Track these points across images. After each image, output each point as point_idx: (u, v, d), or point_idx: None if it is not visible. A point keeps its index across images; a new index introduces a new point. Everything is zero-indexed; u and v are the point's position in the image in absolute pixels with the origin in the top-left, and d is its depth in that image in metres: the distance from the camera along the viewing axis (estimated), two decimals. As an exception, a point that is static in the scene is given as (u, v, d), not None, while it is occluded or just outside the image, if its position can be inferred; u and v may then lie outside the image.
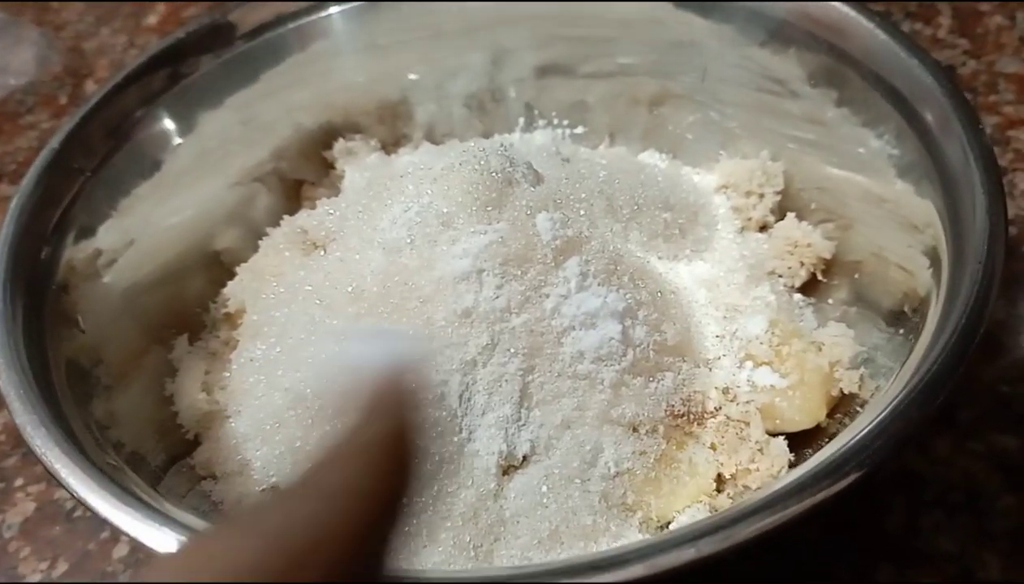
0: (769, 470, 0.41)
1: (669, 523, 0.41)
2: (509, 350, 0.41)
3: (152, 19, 0.79)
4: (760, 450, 0.42)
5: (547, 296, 0.42)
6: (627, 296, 0.43)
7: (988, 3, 0.66)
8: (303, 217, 0.53)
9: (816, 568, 0.41)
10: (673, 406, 0.41)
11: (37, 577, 0.45)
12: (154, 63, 0.52)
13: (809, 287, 0.50)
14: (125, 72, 0.51)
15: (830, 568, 0.41)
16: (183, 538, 0.32)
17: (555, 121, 0.59)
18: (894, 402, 0.33)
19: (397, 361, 0.26)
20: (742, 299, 0.46)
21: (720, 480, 0.42)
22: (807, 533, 0.42)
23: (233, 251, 0.54)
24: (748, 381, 0.44)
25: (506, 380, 0.41)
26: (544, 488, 0.40)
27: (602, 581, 0.30)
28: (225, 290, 0.51)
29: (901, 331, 0.42)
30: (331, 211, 0.51)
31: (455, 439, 0.40)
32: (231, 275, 0.52)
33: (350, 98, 0.58)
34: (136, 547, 0.45)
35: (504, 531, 0.40)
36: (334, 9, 0.57)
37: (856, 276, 0.48)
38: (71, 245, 0.46)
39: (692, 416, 0.41)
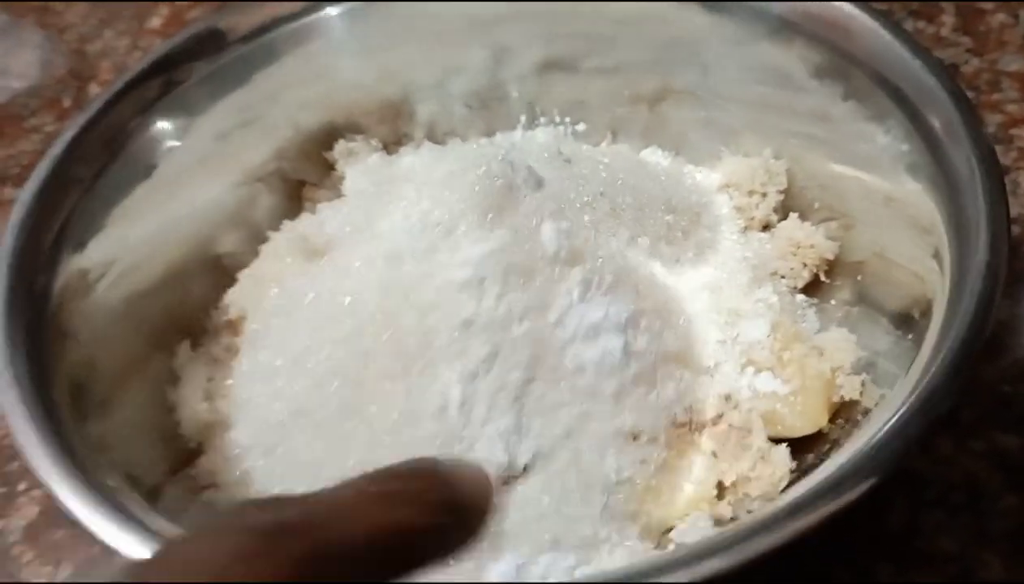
0: (771, 478, 0.41)
1: (669, 530, 0.42)
2: (510, 360, 0.41)
3: (155, 22, 0.79)
4: (762, 458, 0.42)
5: (549, 306, 0.42)
6: (630, 306, 0.43)
7: (991, 1, 0.65)
8: (304, 223, 0.53)
9: (816, 568, 0.41)
10: (675, 415, 0.41)
11: (43, 578, 0.46)
12: (153, 69, 0.52)
13: (811, 288, 0.50)
14: (125, 79, 0.51)
15: (830, 568, 0.41)
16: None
17: (557, 118, 0.59)
18: (900, 410, 0.33)
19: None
20: (744, 302, 0.46)
21: (721, 487, 0.42)
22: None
23: (235, 254, 0.54)
24: (749, 387, 0.44)
25: (507, 391, 0.41)
26: (545, 498, 0.40)
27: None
28: (226, 297, 0.51)
29: (908, 336, 0.42)
30: (331, 217, 0.51)
31: (455, 450, 0.40)
32: (233, 279, 0.52)
33: (351, 98, 0.58)
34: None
35: (504, 542, 0.40)
36: (332, 9, 0.56)
37: (859, 277, 0.48)
38: (72, 255, 0.46)
39: (694, 424, 0.41)
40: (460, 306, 0.41)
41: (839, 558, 0.41)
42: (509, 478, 0.41)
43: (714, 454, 0.42)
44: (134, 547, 0.34)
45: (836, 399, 0.44)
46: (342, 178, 0.56)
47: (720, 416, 0.43)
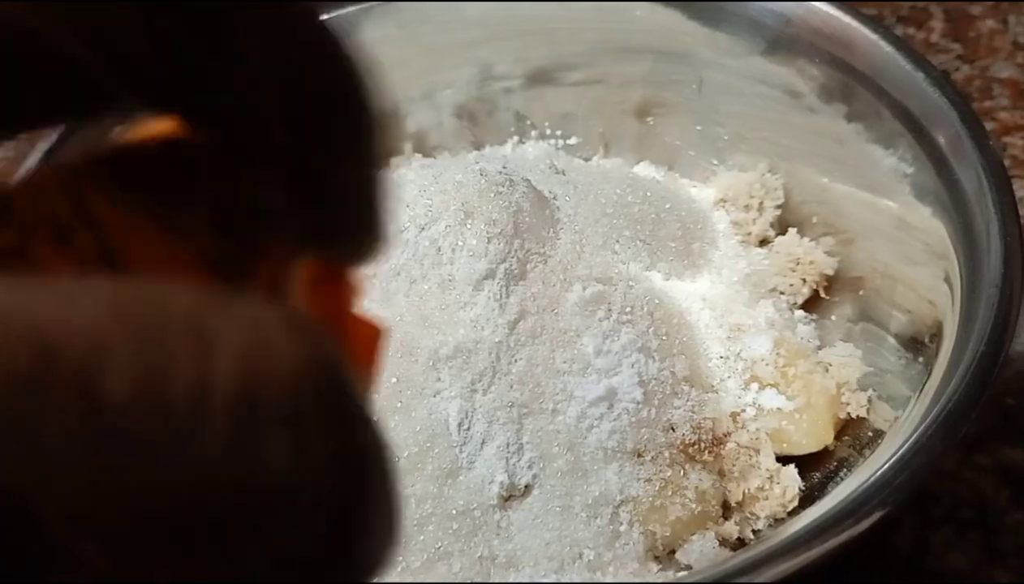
0: (780, 499, 0.41)
1: (674, 551, 0.41)
2: (512, 377, 0.40)
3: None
4: (771, 477, 0.41)
5: (555, 325, 0.41)
6: (638, 329, 0.42)
7: (980, 6, 0.65)
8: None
9: (825, 588, 0.41)
10: (684, 436, 0.41)
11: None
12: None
13: (811, 304, 0.49)
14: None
15: (840, 588, 0.41)
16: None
17: (547, 131, 0.59)
18: (915, 435, 0.32)
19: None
20: (745, 318, 0.46)
21: (726, 507, 0.42)
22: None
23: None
24: (754, 404, 0.43)
25: (508, 408, 0.40)
26: (548, 518, 0.40)
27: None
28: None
29: (914, 353, 0.42)
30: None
31: (455, 469, 0.40)
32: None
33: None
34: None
35: (507, 564, 0.39)
36: (323, 18, 0.55)
37: (860, 292, 0.48)
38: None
39: (703, 444, 0.41)
40: (460, 321, 0.41)
41: (849, 579, 0.41)
42: (511, 497, 0.40)
43: (720, 473, 0.42)
44: None
45: (843, 416, 0.43)
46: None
47: (727, 434, 0.42)
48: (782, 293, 0.49)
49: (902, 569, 0.41)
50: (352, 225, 0.15)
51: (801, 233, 0.50)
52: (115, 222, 0.14)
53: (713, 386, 0.44)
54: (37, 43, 0.13)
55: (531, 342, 0.41)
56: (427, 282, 0.42)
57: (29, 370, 0.11)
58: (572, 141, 0.58)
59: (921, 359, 0.41)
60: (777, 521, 0.41)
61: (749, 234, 0.51)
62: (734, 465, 0.41)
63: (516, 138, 0.58)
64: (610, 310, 0.42)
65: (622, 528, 0.40)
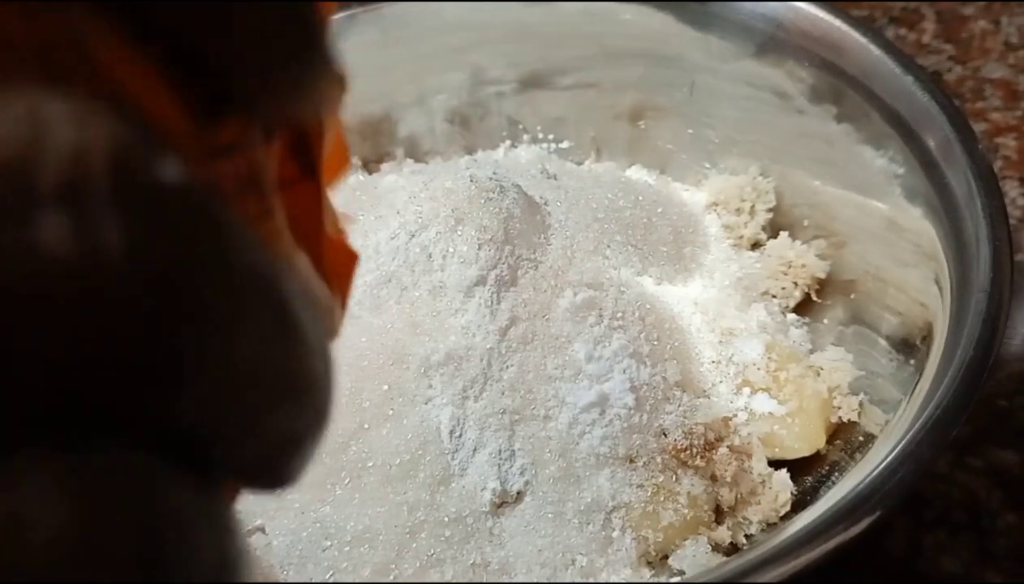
0: (773, 503, 0.41)
1: (667, 557, 0.41)
2: (503, 384, 0.40)
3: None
4: (763, 482, 0.41)
5: (546, 331, 0.41)
6: (629, 335, 0.42)
7: (972, 7, 0.65)
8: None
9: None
10: (676, 441, 0.41)
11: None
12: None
13: (803, 307, 0.49)
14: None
15: (833, 595, 0.41)
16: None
17: (540, 135, 0.59)
18: (905, 440, 0.32)
19: None
20: (737, 322, 0.46)
21: (719, 512, 0.42)
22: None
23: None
24: (746, 408, 0.43)
25: (500, 414, 0.40)
26: (540, 525, 0.40)
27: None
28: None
29: (905, 356, 0.42)
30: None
31: (447, 476, 0.40)
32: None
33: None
34: None
35: (500, 571, 0.39)
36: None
37: (852, 296, 0.48)
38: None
39: (695, 449, 0.41)
40: (451, 328, 0.41)
41: (841, 583, 0.41)
42: (503, 504, 0.40)
43: (712, 478, 0.42)
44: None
45: (834, 420, 0.43)
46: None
47: (719, 439, 0.42)
48: (774, 296, 0.49)
49: (895, 572, 0.41)
50: (296, 62, 0.14)
51: (793, 236, 0.50)
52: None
53: (705, 391, 0.44)
54: None
55: (522, 348, 0.41)
56: (418, 289, 0.42)
57: None
58: (564, 145, 0.58)
59: (912, 361, 0.41)
60: (770, 526, 0.41)
61: (741, 237, 0.51)
62: (726, 470, 0.41)
63: (508, 142, 0.58)
64: (601, 316, 0.42)
65: (614, 534, 0.40)
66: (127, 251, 0.10)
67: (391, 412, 0.40)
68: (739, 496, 0.41)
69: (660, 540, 0.40)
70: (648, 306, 0.44)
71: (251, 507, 0.42)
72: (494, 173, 0.45)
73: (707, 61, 0.52)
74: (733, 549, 0.41)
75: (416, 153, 0.58)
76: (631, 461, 0.41)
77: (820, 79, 0.47)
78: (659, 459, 0.41)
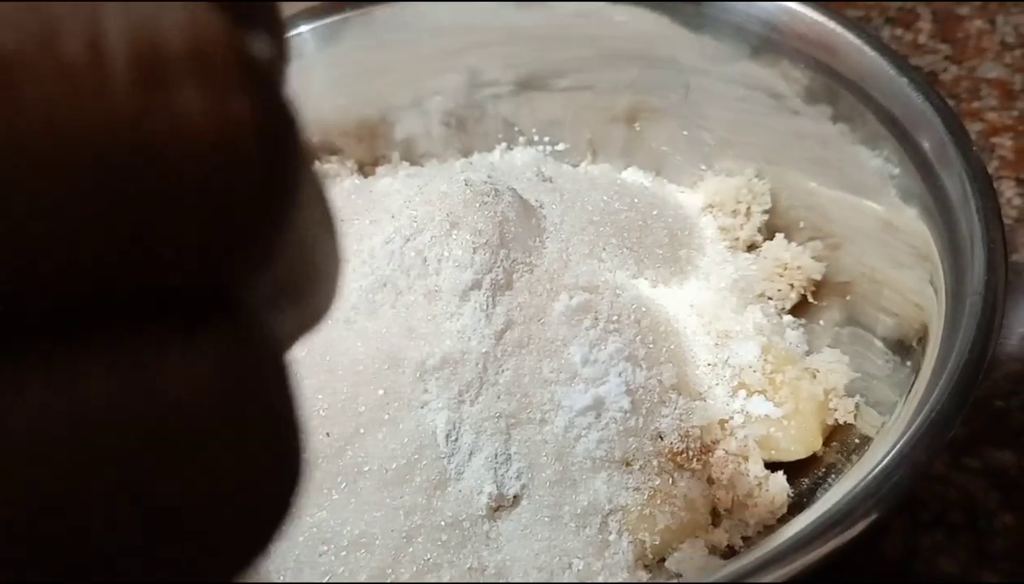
0: (769, 506, 0.41)
1: (664, 560, 0.41)
2: (499, 388, 0.40)
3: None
4: (759, 485, 0.41)
5: (541, 335, 0.41)
6: (625, 338, 0.42)
7: (968, 6, 0.65)
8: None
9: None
10: (672, 444, 0.41)
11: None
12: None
13: (799, 309, 0.49)
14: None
15: (828, 596, 0.41)
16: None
17: (535, 138, 0.59)
18: (901, 442, 0.32)
19: None
20: (733, 324, 0.46)
21: (716, 514, 0.42)
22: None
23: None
24: (742, 411, 0.43)
25: (496, 418, 0.40)
26: (537, 529, 0.39)
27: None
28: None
29: (901, 357, 0.42)
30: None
31: (443, 480, 0.40)
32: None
33: (326, 118, 0.57)
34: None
35: (497, 575, 0.39)
36: (305, 28, 0.55)
37: (848, 297, 0.48)
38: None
39: (691, 452, 0.41)
40: (446, 332, 0.41)
41: (837, 584, 0.41)
42: (499, 508, 0.40)
43: (709, 481, 0.42)
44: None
45: (830, 422, 0.43)
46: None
47: (715, 442, 0.42)
48: (770, 298, 0.49)
49: (891, 574, 0.41)
50: None
51: (788, 238, 0.50)
52: None
53: (701, 394, 0.44)
54: None
55: (518, 352, 0.41)
56: (413, 293, 0.42)
57: None
58: (560, 147, 0.58)
59: (908, 363, 0.41)
60: (767, 528, 0.41)
61: (737, 239, 0.51)
62: (723, 473, 0.41)
63: (504, 145, 0.58)
64: (597, 319, 0.42)
65: (611, 537, 0.40)
66: (254, 122, 0.11)
67: (387, 417, 0.40)
68: (735, 499, 0.41)
69: (657, 543, 0.40)
70: (644, 309, 0.44)
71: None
72: (489, 176, 0.45)
73: (702, 62, 0.51)
74: (730, 552, 0.41)
75: (412, 156, 0.58)
76: (627, 464, 0.41)
77: (815, 80, 0.47)
78: (655, 462, 0.41)
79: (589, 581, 0.39)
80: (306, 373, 0.42)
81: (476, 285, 0.41)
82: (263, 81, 0.12)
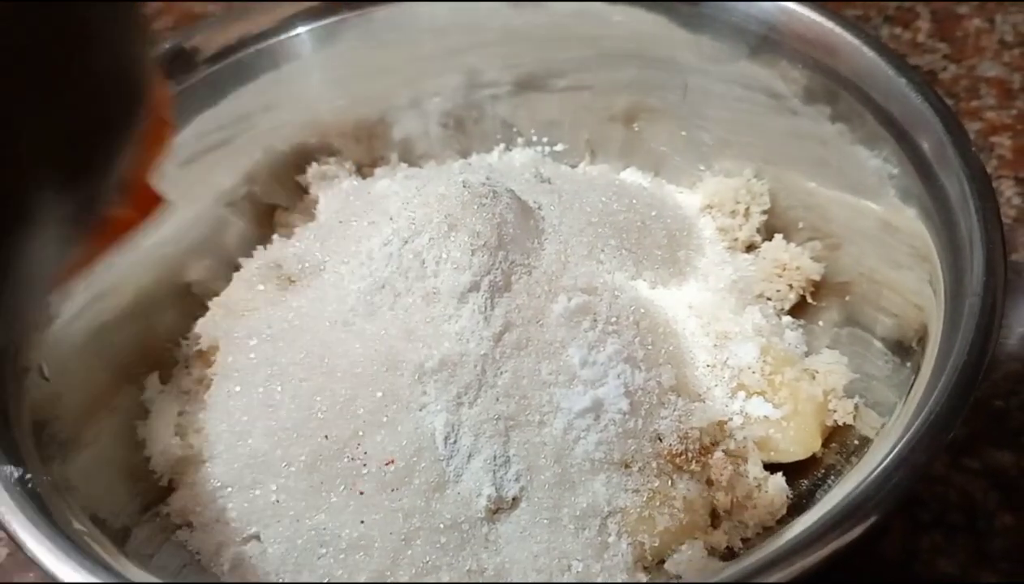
0: (769, 507, 0.41)
1: (663, 562, 0.41)
2: (498, 390, 0.40)
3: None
4: (758, 486, 0.41)
5: (540, 337, 0.41)
6: (624, 340, 0.42)
7: (966, 5, 0.65)
8: (276, 250, 0.52)
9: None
10: (671, 445, 0.41)
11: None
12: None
13: (798, 309, 0.49)
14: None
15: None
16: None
17: (534, 138, 0.58)
18: (901, 444, 0.32)
19: None
20: (732, 325, 0.45)
21: (715, 516, 0.42)
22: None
23: (205, 282, 0.52)
24: (741, 412, 0.43)
25: (494, 421, 0.40)
26: (536, 531, 0.39)
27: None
28: (197, 327, 0.49)
29: (900, 358, 0.42)
30: (306, 243, 0.49)
31: (442, 482, 0.40)
32: (203, 307, 0.51)
33: (324, 119, 0.57)
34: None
35: (496, 577, 0.39)
36: (303, 29, 0.55)
37: (847, 298, 0.47)
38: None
39: (690, 454, 0.41)
40: (445, 334, 0.40)
41: (837, 586, 0.41)
42: (498, 510, 0.40)
43: (708, 482, 0.42)
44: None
45: (829, 423, 0.43)
46: (315, 202, 0.55)
47: (714, 444, 0.42)
48: (769, 299, 0.49)
49: (891, 574, 0.41)
50: None
51: (787, 238, 0.50)
52: None
53: (700, 395, 0.43)
54: None
55: (516, 354, 0.41)
56: (411, 295, 0.42)
57: None
58: (559, 148, 0.58)
59: (908, 364, 0.41)
60: (766, 530, 0.41)
61: (735, 240, 0.51)
62: (722, 474, 0.41)
63: (503, 145, 0.58)
64: (595, 321, 0.42)
65: (610, 539, 0.40)
66: None
67: (385, 419, 0.40)
68: (735, 500, 0.41)
69: (656, 545, 0.40)
70: (642, 310, 0.44)
71: (246, 515, 0.41)
72: (487, 178, 0.45)
73: (700, 63, 0.51)
74: (729, 553, 0.41)
75: (410, 157, 0.58)
76: (626, 466, 0.41)
77: (813, 80, 0.47)
78: (654, 464, 0.41)
79: (588, 583, 0.39)
80: (305, 375, 0.42)
81: (474, 287, 0.41)
82: None
